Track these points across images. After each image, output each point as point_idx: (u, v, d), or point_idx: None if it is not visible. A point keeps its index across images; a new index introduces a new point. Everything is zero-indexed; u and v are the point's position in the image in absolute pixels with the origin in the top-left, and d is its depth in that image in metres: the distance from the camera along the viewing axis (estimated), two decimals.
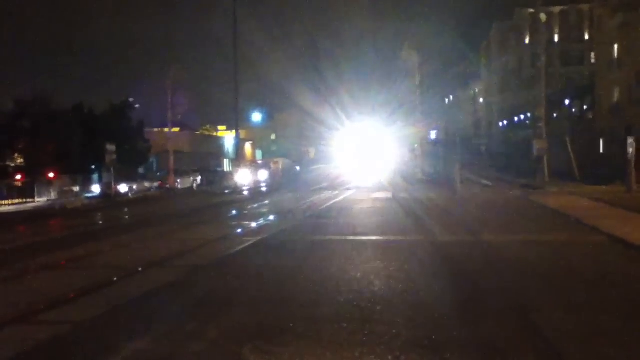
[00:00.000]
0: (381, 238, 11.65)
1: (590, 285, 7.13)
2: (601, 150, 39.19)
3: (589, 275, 7.73)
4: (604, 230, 11.20)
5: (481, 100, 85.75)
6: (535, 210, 16.14)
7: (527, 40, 66.51)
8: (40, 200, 30.58)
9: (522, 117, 58.82)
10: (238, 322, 5.86)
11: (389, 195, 23.09)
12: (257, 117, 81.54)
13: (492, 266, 8.44)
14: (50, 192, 31.35)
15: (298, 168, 65.49)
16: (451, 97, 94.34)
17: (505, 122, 67.96)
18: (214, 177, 48.48)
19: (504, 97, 69.91)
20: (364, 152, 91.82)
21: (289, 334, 5.35)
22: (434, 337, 5.13)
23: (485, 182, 28.91)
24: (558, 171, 27.05)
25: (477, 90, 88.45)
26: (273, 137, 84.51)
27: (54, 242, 13.99)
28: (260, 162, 67.15)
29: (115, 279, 8.38)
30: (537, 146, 27.00)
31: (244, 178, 48.04)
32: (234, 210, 20.83)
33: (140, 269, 9.06)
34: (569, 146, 28.37)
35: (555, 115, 46.55)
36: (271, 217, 17.01)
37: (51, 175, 31.61)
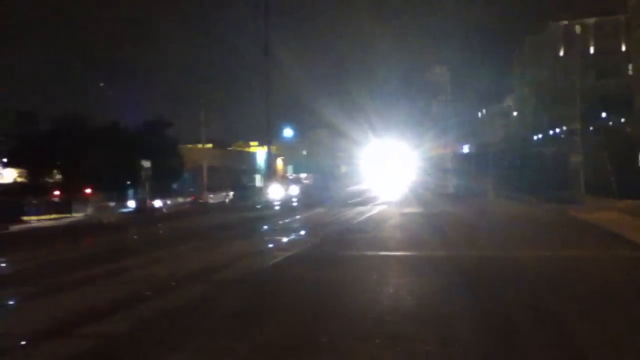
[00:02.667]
0: (411, 254, 11.58)
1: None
2: (639, 164, 38.14)
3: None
4: None
5: (514, 114, 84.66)
6: (571, 225, 15.81)
7: (560, 53, 65.58)
8: (77, 216, 31.32)
9: (557, 130, 57.76)
10: (270, 337, 5.87)
11: (419, 210, 22.91)
12: (288, 132, 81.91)
13: (532, 285, 8.27)
14: (86, 208, 32.07)
15: (329, 184, 65.50)
16: (484, 111, 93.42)
17: (539, 136, 66.85)
18: (246, 192, 48.83)
19: (537, 110, 68.91)
20: (394, 168, 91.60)
21: (321, 350, 5.34)
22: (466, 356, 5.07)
23: (518, 196, 28.45)
24: (594, 185, 26.44)
25: (510, 104, 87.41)
26: (304, 152, 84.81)
27: (90, 257, 14.28)
28: (291, 177, 67.55)
29: (150, 293, 8.51)
30: (573, 160, 26.50)
31: (275, 193, 48.32)
32: (265, 225, 20.94)
33: (174, 284, 9.18)
34: (606, 160, 27.73)
35: (591, 128, 45.59)
36: (302, 233, 17.05)
37: (88, 191, 32.37)
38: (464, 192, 32.38)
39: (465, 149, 79.36)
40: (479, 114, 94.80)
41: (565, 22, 64.23)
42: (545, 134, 62.87)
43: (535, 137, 68.17)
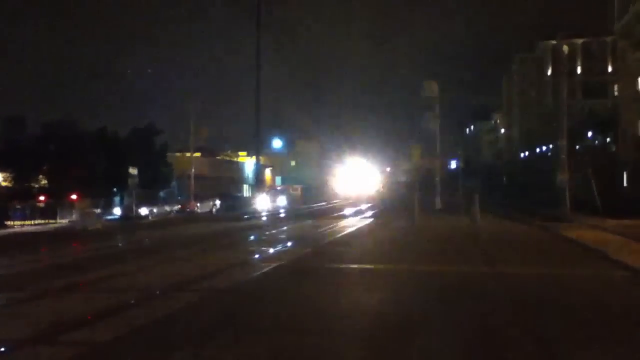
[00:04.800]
0: (397, 267, 11.58)
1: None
2: (624, 183, 38.58)
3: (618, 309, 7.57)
4: (629, 265, 10.98)
5: (502, 130, 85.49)
6: (556, 243, 15.91)
7: (549, 72, 66.45)
8: (61, 222, 31.03)
9: (544, 148, 58.35)
10: (254, 348, 5.84)
11: (407, 224, 22.97)
12: (277, 143, 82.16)
13: (514, 301, 8.30)
14: (71, 214, 31.79)
15: (316, 195, 65.59)
16: (472, 127, 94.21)
17: (526, 153, 67.50)
18: (234, 202, 48.71)
19: (525, 127, 69.62)
20: (382, 181, 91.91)
21: None
22: None
23: (505, 213, 28.63)
24: (580, 203, 26.67)
25: (497, 121, 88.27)
26: (293, 163, 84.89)
27: (74, 264, 14.12)
28: (279, 188, 67.51)
29: (134, 301, 8.44)
30: (559, 177, 26.70)
31: (263, 203, 48.26)
32: (252, 235, 20.88)
33: (158, 292, 9.11)
34: (592, 178, 28.01)
35: (577, 147, 46.11)
36: (289, 244, 17.01)
37: (73, 197, 32.09)
38: (451, 207, 32.51)
39: (453, 164, 79.96)
40: (467, 130, 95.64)
41: (554, 42, 65.16)
42: (532, 152, 63.52)
43: (522, 155, 68.87)
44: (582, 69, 64.94)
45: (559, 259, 12.82)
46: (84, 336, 6.58)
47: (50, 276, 11.50)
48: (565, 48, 40.97)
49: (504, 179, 66.94)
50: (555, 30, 65.51)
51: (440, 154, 38.96)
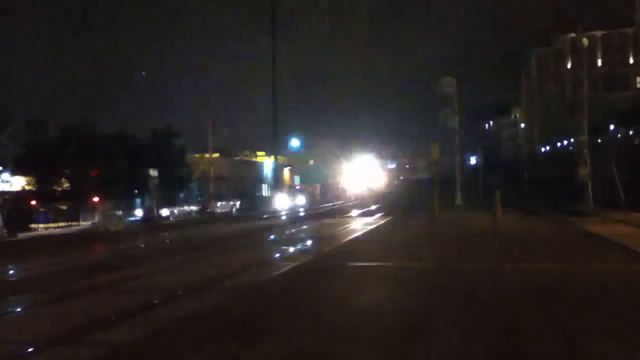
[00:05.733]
0: (418, 264, 11.51)
1: None
2: None
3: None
4: None
5: (522, 125, 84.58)
6: (580, 238, 15.69)
7: (568, 65, 65.57)
8: (84, 224, 31.47)
9: (565, 142, 57.64)
10: (278, 346, 5.86)
11: (427, 221, 22.85)
12: (295, 143, 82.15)
13: (539, 297, 8.21)
14: (94, 216, 32.22)
15: (335, 193, 65.57)
16: (491, 122, 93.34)
17: (547, 148, 66.73)
18: (253, 201, 48.92)
19: (545, 122, 68.81)
20: (401, 179, 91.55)
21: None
22: None
23: (526, 209, 28.31)
24: (602, 197, 26.27)
25: (517, 116, 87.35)
26: (311, 162, 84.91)
27: (98, 265, 14.32)
28: (298, 187, 67.62)
29: (156, 302, 8.53)
30: (581, 172, 26.35)
31: (282, 203, 48.40)
32: (272, 235, 20.95)
33: (180, 293, 9.18)
34: (615, 172, 27.57)
35: (599, 140, 45.46)
36: (309, 243, 17.03)
37: (95, 199, 32.51)
38: (472, 204, 32.25)
39: (473, 160, 79.30)
40: (487, 126, 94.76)
41: (573, 35, 64.28)
42: (553, 146, 62.78)
43: (543, 149, 68.09)
44: (603, 62, 63.96)
45: (582, 254, 12.63)
46: (108, 337, 6.67)
47: (74, 277, 11.68)
48: (585, 41, 40.33)
49: (525, 174, 66.29)
50: (575, 23, 64.65)
51: (460, 150, 38.63)
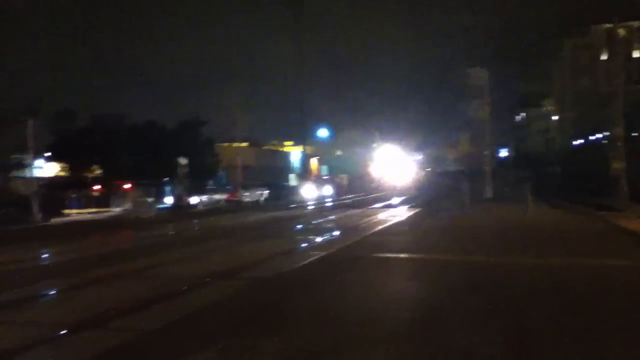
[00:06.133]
0: (445, 257, 11.42)
1: None
2: None
3: None
4: None
5: (553, 118, 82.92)
6: (612, 234, 15.35)
7: (603, 57, 63.94)
8: (115, 210, 32.00)
9: (599, 135, 56.33)
10: (301, 338, 5.86)
11: (455, 213, 22.65)
12: (323, 132, 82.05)
13: (567, 294, 8.07)
14: (125, 203, 32.73)
15: (362, 184, 65.45)
16: (522, 115, 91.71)
17: (579, 141, 65.30)
18: (280, 191, 49.10)
19: (578, 115, 67.33)
20: (429, 171, 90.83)
21: (348, 353, 5.33)
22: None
23: (558, 203, 27.83)
24: (637, 192, 25.62)
25: (549, 108, 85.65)
26: (339, 153, 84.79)
27: (128, 251, 14.60)
28: (325, 177, 67.67)
29: (181, 289, 8.62)
30: (615, 166, 25.77)
31: (309, 193, 48.55)
32: (299, 224, 21.03)
33: (207, 280, 9.29)
34: None
35: (633, 134, 44.29)
36: (336, 233, 17.04)
37: (126, 186, 33.03)
38: (502, 197, 31.86)
39: (502, 153, 78.18)
40: (517, 118, 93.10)
41: (609, 26, 62.55)
42: (586, 139, 61.38)
43: (575, 143, 66.65)
44: (639, 53, 62.11)
45: (615, 250, 12.36)
46: (133, 323, 6.76)
47: (104, 263, 11.90)
48: (621, 31, 39.27)
49: (556, 167, 65.06)
50: (610, 13, 62.86)
51: (490, 142, 38.11)
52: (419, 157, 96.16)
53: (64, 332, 6.33)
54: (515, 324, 6.22)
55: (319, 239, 15.24)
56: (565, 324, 6.16)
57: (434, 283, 8.73)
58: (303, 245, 14.29)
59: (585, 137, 60.81)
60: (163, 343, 5.87)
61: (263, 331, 6.06)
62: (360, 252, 12.43)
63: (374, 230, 17.24)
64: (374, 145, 79.76)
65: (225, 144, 51.48)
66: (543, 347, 5.40)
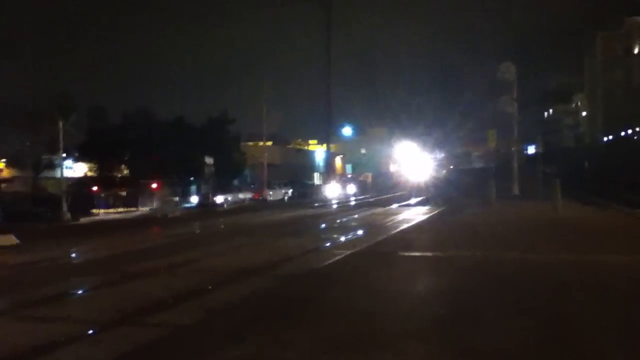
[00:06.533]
0: (472, 254, 11.24)
1: None
2: None
3: None
4: None
5: (584, 113, 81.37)
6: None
7: (636, 50, 62.46)
8: (143, 210, 32.43)
9: (630, 130, 55.08)
10: (331, 332, 5.84)
11: (483, 211, 22.34)
12: (347, 131, 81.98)
13: (599, 290, 7.86)
14: (152, 202, 33.16)
15: (386, 182, 65.15)
16: (551, 110, 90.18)
17: (610, 136, 63.95)
18: (305, 189, 49.23)
19: (609, 109, 65.91)
20: (450, 168, 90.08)
21: (382, 348, 5.28)
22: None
23: (587, 199, 27.27)
24: None
25: (579, 103, 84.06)
26: (363, 151, 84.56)
27: (156, 249, 14.73)
28: (350, 176, 67.57)
29: (213, 285, 8.68)
30: None
31: (333, 191, 48.53)
32: (324, 223, 20.99)
33: (236, 277, 9.32)
34: None
35: None
36: (361, 231, 16.94)
37: (154, 185, 33.45)
38: (530, 194, 31.34)
39: (530, 149, 76.94)
40: (545, 114, 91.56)
41: None
42: (617, 135, 60.10)
43: (605, 138, 65.31)
44: None
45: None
46: (167, 318, 6.82)
47: (134, 260, 12.06)
48: None
49: (586, 163, 63.83)
50: None
51: (518, 139, 37.51)
52: (444, 154, 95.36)
53: (99, 328, 6.41)
54: (539, 321, 6.08)
55: (345, 237, 15.18)
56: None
57: (460, 280, 8.60)
58: (329, 243, 14.23)
59: (617, 132, 59.50)
60: (198, 338, 5.91)
61: (296, 326, 6.07)
62: (386, 250, 12.36)
63: (398, 229, 17.10)
64: (398, 143, 79.24)
65: (251, 143, 51.84)
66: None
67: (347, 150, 79.45)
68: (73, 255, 14.60)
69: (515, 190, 33.45)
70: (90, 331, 6.31)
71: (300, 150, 70.56)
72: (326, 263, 10.70)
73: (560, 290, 7.71)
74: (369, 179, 70.78)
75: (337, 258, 11.28)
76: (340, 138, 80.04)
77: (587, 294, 7.43)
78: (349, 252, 12.09)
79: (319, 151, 70.60)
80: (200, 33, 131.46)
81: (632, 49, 62.98)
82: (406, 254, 11.67)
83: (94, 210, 31.03)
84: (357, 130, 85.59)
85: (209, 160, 32.76)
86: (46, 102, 31.76)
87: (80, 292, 9.09)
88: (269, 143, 52.02)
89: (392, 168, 77.75)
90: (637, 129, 56.39)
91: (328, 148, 61.11)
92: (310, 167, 65.78)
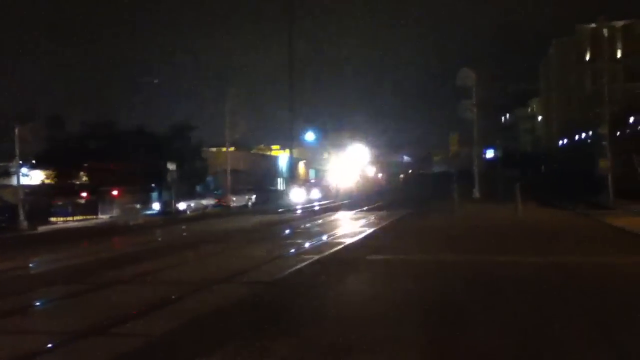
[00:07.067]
0: (439, 257, 11.43)
1: None
2: None
3: None
4: None
5: (539, 118, 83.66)
6: (602, 231, 15.50)
7: (588, 56, 64.62)
8: (103, 217, 31.70)
9: (584, 135, 56.85)
10: (306, 339, 5.84)
11: (445, 215, 22.70)
12: (310, 136, 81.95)
13: (569, 290, 8.11)
14: (112, 210, 32.44)
15: (351, 187, 65.43)
16: (508, 115, 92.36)
17: (565, 141, 65.87)
18: (269, 195, 49.00)
19: (563, 114, 67.93)
20: (415, 173, 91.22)
21: (357, 353, 5.30)
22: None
23: (545, 201, 28.04)
24: (622, 190, 25.91)
25: (535, 108, 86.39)
26: (326, 156, 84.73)
27: (119, 258, 14.43)
28: (313, 181, 67.62)
29: (182, 294, 8.55)
30: (601, 165, 26.06)
31: (297, 197, 48.48)
32: (289, 229, 20.95)
33: (205, 285, 9.20)
34: (636, 164, 27.19)
35: (618, 133, 44.81)
36: (326, 237, 16.95)
37: (114, 193, 32.74)
38: (490, 197, 32.02)
39: (489, 153, 78.50)
40: (503, 118, 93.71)
41: (593, 25, 63.31)
42: (572, 139, 61.94)
43: (561, 142, 67.24)
44: (623, 52, 62.83)
45: (606, 246, 12.47)
46: (138, 328, 6.72)
47: (99, 270, 11.77)
48: (605, 31, 39.74)
49: (543, 167, 65.64)
50: (595, 13, 63.67)
51: (477, 143, 38.28)
52: (405, 158, 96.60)
53: (68, 339, 6.24)
54: (512, 319, 6.22)
55: (310, 243, 15.18)
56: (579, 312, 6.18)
57: (427, 284, 8.70)
58: (295, 249, 14.22)
59: (572, 137, 61.38)
60: (171, 348, 5.83)
61: (270, 334, 6.03)
62: (353, 254, 12.40)
63: (365, 233, 17.22)
64: (359, 147, 79.87)
65: (213, 149, 51.29)
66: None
67: (310, 155, 79.49)
68: (32, 266, 14.14)
69: (476, 193, 34.11)
70: (59, 343, 6.14)
71: (265, 156, 70.31)
72: (295, 269, 10.67)
73: (528, 292, 7.90)
74: (333, 184, 70.95)
75: (306, 263, 11.27)
76: (303, 143, 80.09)
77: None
78: (317, 256, 12.11)
79: (282, 156, 70.43)
80: (163, 42, 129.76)
81: (585, 55, 65.11)
82: (373, 258, 11.73)
83: (53, 219, 30.17)
84: (320, 135, 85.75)
85: (171, 166, 32.28)
86: (3, 109, 30.85)
87: (46, 303, 8.82)
88: (232, 149, 51.63)
89: (357, 172, 78.19)
90: (590, 133, 58.25)
91: (291, 153, 61.09)
92: (274, 173, 65.53)
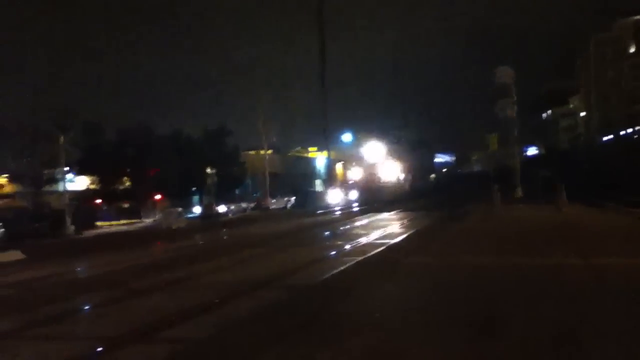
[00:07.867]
0: (482, 259, 11.23)
1: None
2: None
3: None
4: None
5: (581, 114, 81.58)
6: None
7: (630, 50, 62.73)
8: (146, 221, 32.43)
9: (629, 130, 55.19)
10: (349, 345, 5.77)
11: (485, 215, 22.37)
12: (347, 137, 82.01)
13: (613, 295, 7.89)
14: (155, 213, 33.18)
15: (390, 187, 65.18)
16: (549, 112, 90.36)
17: (607, 137, 64.03)
18: (307, 197, 49.20)
19: (605, 111, 66.11)
20: (453, 172, 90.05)
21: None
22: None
23: (588, 200, 27.30)
24: None
25: (575, 105, 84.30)
26: (363, 157, 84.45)
27: (163, 262, 14.71)
28: (351, 182, 67.56)
29: (224, 299, 8.61)
30: None
31: (335, 198, 48.53)
32: (328, 231, 20.99)
33: (247, 289, 9.27)
34: None
35: None
36: (365, 239, 16.91)
37: (157, 197, 33.47)
38: (532, 196, 31.39)
39: (531, 151, 77.06)
40: (544, 116, 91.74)
41: (635, 18, 61.48)
42: (615, 135, 60.18)
43: (604, 139, 65.36)
44: None
45: None
46: (179, 334, 6.72)
47: (143, 275, 12.02)
48: None
49: (584, 165, 63.85)
50: (635, 6, 61.75)
51: (517, 142, 37.59)
52: (446, 158, 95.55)
53: (112, 345, 6.34)
54: (551, 324, 6.11)
55: (350, 245, 15.17)
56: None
57: (469, 287, 8.56)
58: (336, 252, 14.22)
59: (615, 133, 59.62)
60: (212, 353, 5.85)
61: (313, 339, 5.99)
62: (393, 256, 12.30)
63: (405, 235, 17.11)
64: (397, 147, 79.44)
65: (251, 152, 51.85)
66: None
67: (348, 156, 79.43)
68: (79, 270, 14.56)
69: (518, 193, 33.50)
70: (102, 349, 6.24)
71: (302, 159, 70.52)
72: (336, 272, 10.62)
73: (569, 298, 7.73)
74: (373, 185, 70.76)
75: (346, 266, 11.24)
76: (340, 144, 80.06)
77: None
78: (358, 258, 12.07)
79: (319, 158, 70.60)
80: (194, 47, 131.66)
81: (625, 49, 63.20)
82: (413, 260, 11.60)
83: (98, 223, 31.02)
84: (357, 136, 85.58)
85: (210, 170, 32.88)
86: (47, 118, 31.86)
87: (87, 308, 9.01)
88: (270, 152, 52.09)
89: (395, 173, 77.77)
90: (632, 130, 56.53)
91: (328, 155, 61.17)
92: (312, 175, 65.81)
